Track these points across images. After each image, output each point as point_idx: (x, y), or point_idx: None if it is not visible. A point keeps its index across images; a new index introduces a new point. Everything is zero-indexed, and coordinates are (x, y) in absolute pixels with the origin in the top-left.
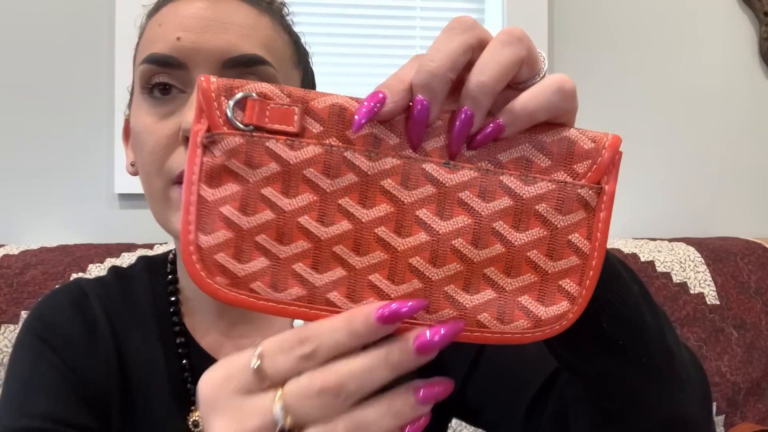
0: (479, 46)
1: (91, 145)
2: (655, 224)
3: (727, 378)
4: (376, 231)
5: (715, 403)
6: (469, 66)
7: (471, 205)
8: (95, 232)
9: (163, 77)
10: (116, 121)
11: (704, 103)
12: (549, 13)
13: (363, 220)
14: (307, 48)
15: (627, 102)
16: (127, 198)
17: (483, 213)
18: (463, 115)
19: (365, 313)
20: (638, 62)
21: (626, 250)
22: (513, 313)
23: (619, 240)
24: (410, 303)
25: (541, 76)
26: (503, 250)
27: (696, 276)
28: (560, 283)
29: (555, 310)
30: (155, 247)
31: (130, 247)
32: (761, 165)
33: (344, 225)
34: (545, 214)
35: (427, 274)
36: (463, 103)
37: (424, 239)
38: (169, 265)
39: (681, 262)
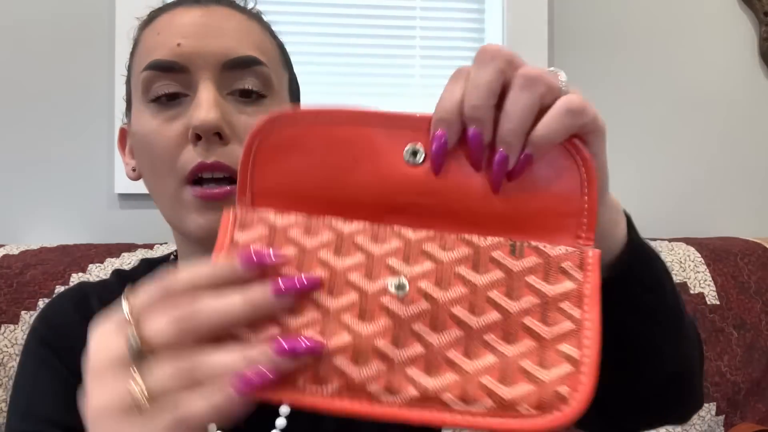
0: (509, 68)
1: (91, 145)
2: (655, 224)
3: (727, 378)
4: (348, 277)
5: (715, 403)
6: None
7: (467, 277)
8: (95, 232)
9: (166, 83)
10: (116, 122)
11: (704, 103)
12: (549, 13)
13: (337, 268)
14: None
15: (626, 101)
16: (127, 198)
17: (478, 284)
18: (499, 157)
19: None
20: (638, 62)
21: None
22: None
23: None
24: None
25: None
26: (499, 317)
27: (696, 276)
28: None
29: (557, 372)
30: (155, 247)
31: (130, 247)
32: (761, 165)
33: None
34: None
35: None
36: (499, 147)
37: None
38: (170, 264)
39: (681, 262)
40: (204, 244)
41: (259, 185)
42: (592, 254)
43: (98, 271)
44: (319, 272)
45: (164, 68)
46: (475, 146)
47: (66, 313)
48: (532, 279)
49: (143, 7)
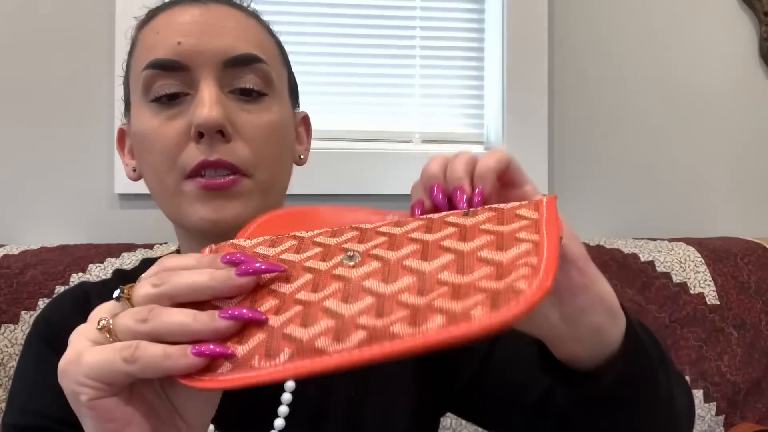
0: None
1: (91, 145)
2: (655, 224)
3: (727, 378)
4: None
5: (715, 403)
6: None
7: (422, 239)
8: (95, 232)
9: (167, 83)
10: (116, 122)
11: (704, 103)
12: (549, 13)
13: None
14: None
15: (626, 101)
16: (127, 198)
17: (430, 239)
18: (454, 190)
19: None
20: (638, 61)
21: (626, 250)
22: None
23: (620, 240)
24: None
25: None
26: (453, 256)
27: (696, 276)
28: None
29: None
30: (155, 247)
31: (130, 247)
32: (761, 165)
33: None
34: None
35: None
36: (452, 185)
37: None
38: None
39: (681, 262)
40: (208, 238)
41: (252, 234)
42: (547, 200)
43: (98, 271)
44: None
45: (165, 67)
46: (435, 192)
47: (66, 311)
48: (486, 226)
49: (143, 7)
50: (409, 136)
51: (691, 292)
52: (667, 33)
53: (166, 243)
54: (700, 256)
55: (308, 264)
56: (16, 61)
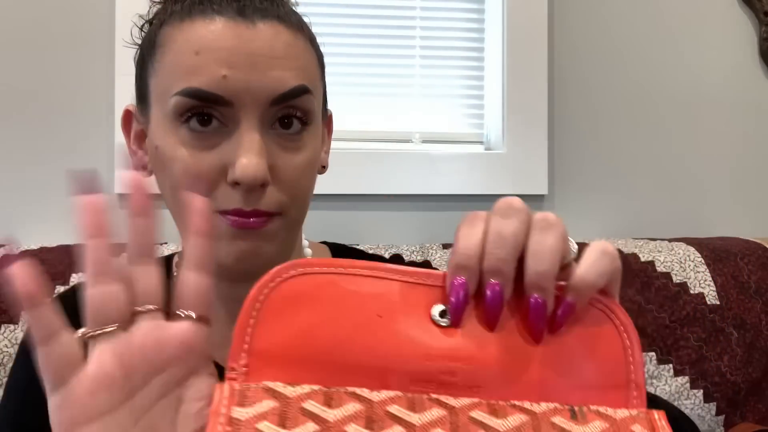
0: (529, 222)
1: (91, 145)
2: (655, 224)
3: (727, 378)
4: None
5: (715, 403)
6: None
7: None
8: None
9: (204, 114)
10: (116, 122)
11: (704, 103)
12: (549, 14)
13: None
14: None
15: (626, 102)
16: (127, 198)
17: None
18: (534, 303)
19: None
20: (638, 61)
21: (626, 250)
22: None
23: (620, 240)
24: None
25: (573, 252)
26: None
27: (696, 276)
28: None
29: None
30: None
31: None
32: (761, 165)
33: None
34: None
35: None
36: (531, 292)
37: None
38: (175, 267)
39: (681, 262)
40: (224, 272)
41: (258, 346)
42: (659, 416)
43: None
44: None
45: (206, 99)
46: (495, 304)
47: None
48: None
49: (144, 7)
50: (408, 136)
51: (691, 292)
52: (667, 33)
53: (166, 243)
54: (700, 256)
55: None
56: (16, 60)
